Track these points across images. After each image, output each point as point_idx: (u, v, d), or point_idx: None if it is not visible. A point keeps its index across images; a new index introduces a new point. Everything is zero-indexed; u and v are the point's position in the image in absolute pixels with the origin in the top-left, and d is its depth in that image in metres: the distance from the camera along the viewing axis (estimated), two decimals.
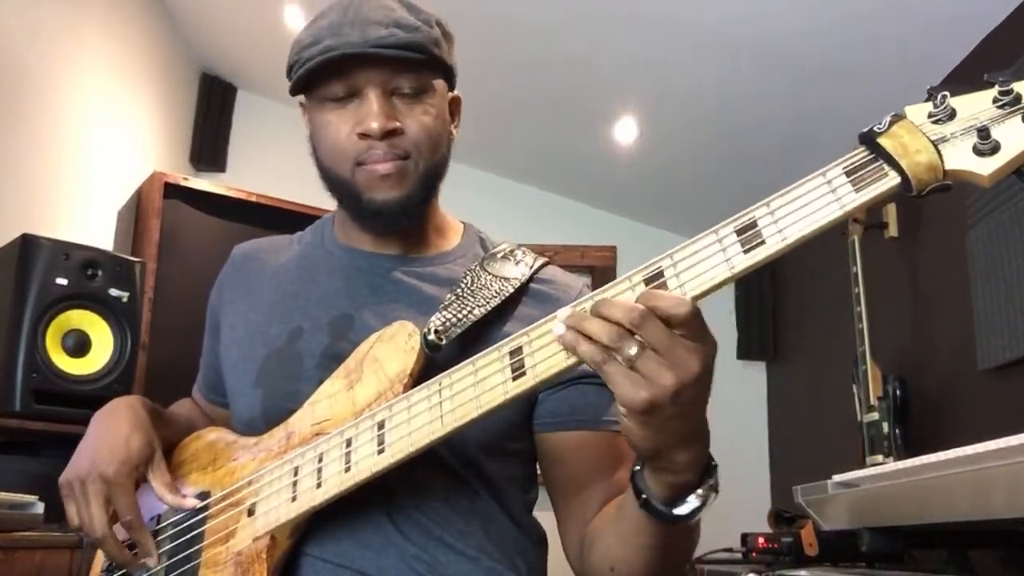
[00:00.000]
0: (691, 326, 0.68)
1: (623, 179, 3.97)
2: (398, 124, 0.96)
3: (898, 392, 2.57)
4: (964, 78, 2.59)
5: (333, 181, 1.01)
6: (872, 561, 1.94)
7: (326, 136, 0.99)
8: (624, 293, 0.73)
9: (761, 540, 2.27)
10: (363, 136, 0.96)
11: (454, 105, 1.07)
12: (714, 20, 2.72)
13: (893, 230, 2.84)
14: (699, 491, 0.77)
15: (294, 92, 1.00)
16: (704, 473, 0.77)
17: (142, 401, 1.07)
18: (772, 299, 4.09)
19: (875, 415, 2.57)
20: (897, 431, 2.53)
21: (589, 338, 0.70)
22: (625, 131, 3.55)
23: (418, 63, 0.96)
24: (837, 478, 1.68)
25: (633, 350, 0.68)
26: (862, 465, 2.51)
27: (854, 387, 2.69)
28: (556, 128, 3.69)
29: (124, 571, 1.03)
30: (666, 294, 0.69)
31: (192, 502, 0.99)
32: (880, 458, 2.51)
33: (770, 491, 3.99)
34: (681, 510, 0.77)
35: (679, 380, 0.68)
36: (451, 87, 1.05)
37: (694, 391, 0.69)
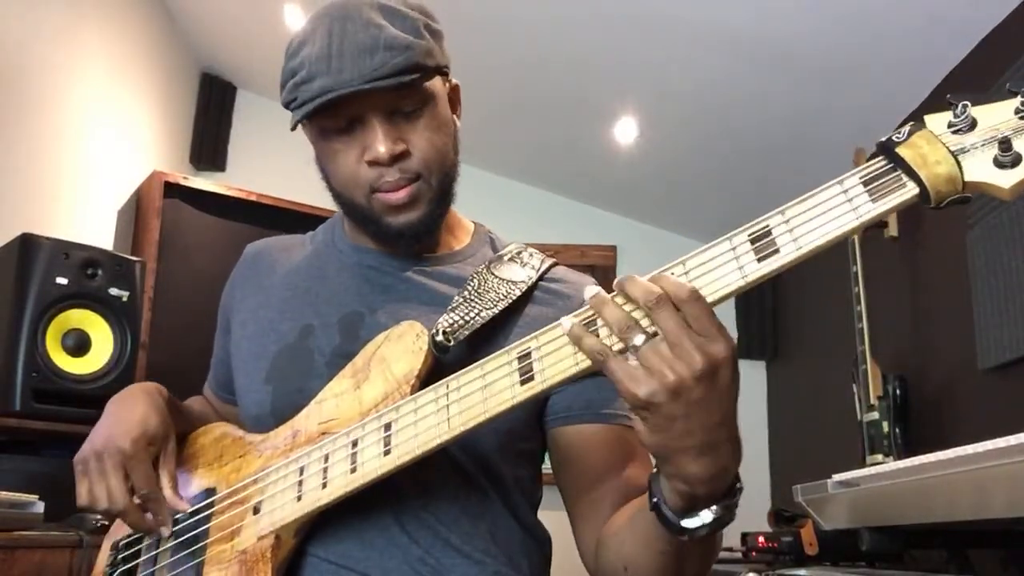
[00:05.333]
0: (702, 320, 0.67)
1: (623, 179, 3.97)
2: (405, 147, 0.95)
3: (898, 392, 2.58)
4: (964, 78, 2.60)
5: (349, 207, 1.00)
6: (872, 561, 1.94)
7: (335, 166, 0.98)
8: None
9: (761, 539, 2.27)
10: (372, 164, 0.95)
11: (454, 94, 1.05)
12: (714, 20, 2.72)
13: (893, 230, 2.85)
14: (714, 507, 0.73)
15: (294, 126, 0.98)
16: (727, 493, 0.74)
17: (159, 388, 1.07)
18: (772, 299, 4.09)
19: (875, 415, 2.57)
20: (897, 431, 2.53)
21: (594, 334, 0.71)
22: (625, 131, 3.55)
23: (416, 81, 0.93)
24: (837, 478, 1.68)
25: (639, 339, 0.68)
26: (862, 465, 2.51)
27: (854, 387, 2.69)
28: (556, 128, 3.69)
29: (126, 569, 1.04)
30: (681, 282, 0.68)
31: (184, 505, 0.99)
32: (880, 458, 2.51)
33: (770, 491, 3.99)
34: (689, 522, 0.73)
35: (680, 375, 0.67)
36: (448, 77, 1.03)
37: (700, 390, 0.67)
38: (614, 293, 0.72)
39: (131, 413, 0.99)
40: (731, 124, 3.31)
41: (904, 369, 2.67)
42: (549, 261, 1.06)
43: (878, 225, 2.85)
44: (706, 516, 0.73)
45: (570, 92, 3.38)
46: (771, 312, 4.10)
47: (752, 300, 4.09)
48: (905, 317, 2.88)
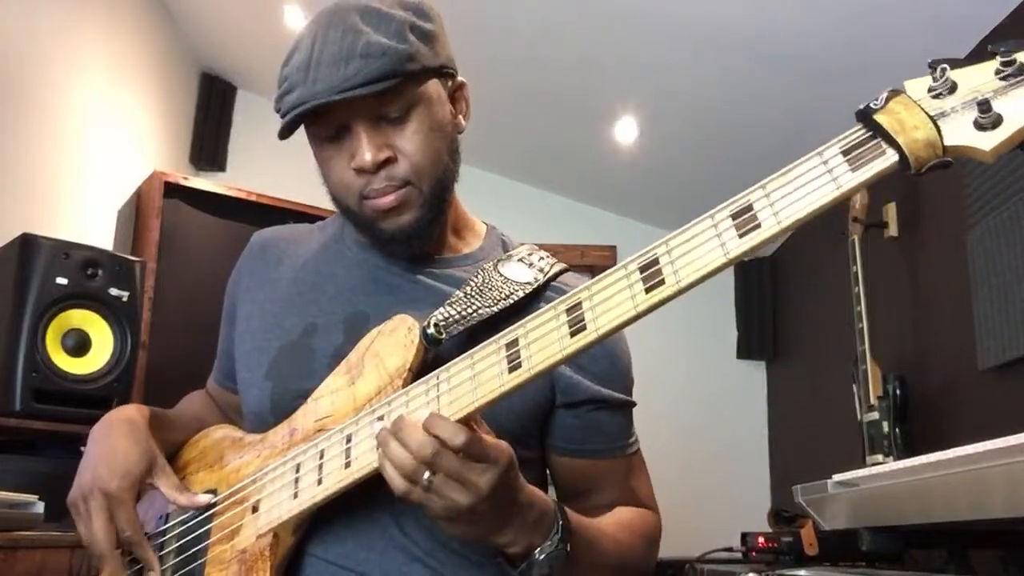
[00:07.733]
0: (471, 451, 0.76)
1: (623, 179, 3.97)
2: (390, 153, 0.94)
3: (898, 392, 2.58)
4: None
5: (345, 212, 1.01)
6: (872, 561, 1.95)
7: (329, 172, 0.99)
8: (618, 283, 0.73)
9: (761, 540, 2.28)
10: (359, 172, 0.94)
11: (458, 93, 1.03)
12: (714, 20, 2.73)
13: (893, 230, 2.85)
14: (538, 551, 0.84)
15: (281, 135, 0.97)
16: (545, 535, 0.85)
17: (139, 410, 1.06)
18: (772, 299, 4.09)
19: (875, 415, 2.57)
20: (897, 431, 2.53)
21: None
22: (625, 131, 3.55)
23: (393, 88, 0.91)
24: (837, 478, 1.68)
25: (426, 476, 0.76)
26: (862, 465, 2.51)
27: (854, 387, 2.69)
28: (556, 127, 3.69)
29: (132, 572, 1.03)
30: (444, 424, 0.76)
31: (204, 498, 0.99)
32: (880, 458, 2.50)
33: (770, 491, 3.99)
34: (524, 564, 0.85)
35: (470, 499, 0.77)
36: (449, 76, 1.01)
37: (488, 504, 0.78)
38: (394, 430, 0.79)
39: (112, 449, 0.98)
40: (731, 124, 3.31)
41: (904, 369, 2.67)
42: (559, 266, 1.05)
43: (878, 225, 2.85)
44: (537, 556, 0.85)
45: (570, 92, 3.38)
46: (771, 312, 4.10)
47: (752, 300, 4.09)
48: (905, 317, 2.88)
